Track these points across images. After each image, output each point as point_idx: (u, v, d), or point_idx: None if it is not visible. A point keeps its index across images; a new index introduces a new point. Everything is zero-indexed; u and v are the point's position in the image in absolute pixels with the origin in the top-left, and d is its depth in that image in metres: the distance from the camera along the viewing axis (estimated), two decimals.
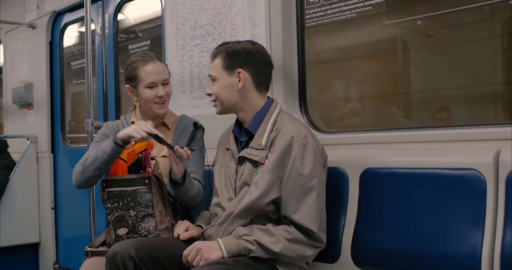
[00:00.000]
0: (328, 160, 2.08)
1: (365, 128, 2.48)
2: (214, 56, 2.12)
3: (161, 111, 2.33)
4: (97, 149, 2.20)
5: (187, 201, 2.28)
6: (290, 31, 2.54)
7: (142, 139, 2.10)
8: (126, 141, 2.13)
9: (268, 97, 2.15)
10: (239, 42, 2.11)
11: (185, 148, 2.13)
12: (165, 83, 2.32)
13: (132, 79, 2.32)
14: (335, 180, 2.14)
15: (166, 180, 2.26)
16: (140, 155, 2.21)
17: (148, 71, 2.28)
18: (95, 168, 2.17)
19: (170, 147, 2.11)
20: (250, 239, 1.90)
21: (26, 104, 4.60)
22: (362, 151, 2.22)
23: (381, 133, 2.26)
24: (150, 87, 2.29)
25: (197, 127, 2.40)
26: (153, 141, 2.18)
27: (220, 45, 2.13)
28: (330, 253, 2.10)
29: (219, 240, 1.94)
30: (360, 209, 2.09)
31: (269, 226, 1.96)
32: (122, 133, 2.12)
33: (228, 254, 1.91)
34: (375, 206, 2.04)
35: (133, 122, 2.40)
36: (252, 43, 2.12)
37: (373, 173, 2.09)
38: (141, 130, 2.08)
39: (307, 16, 2.55)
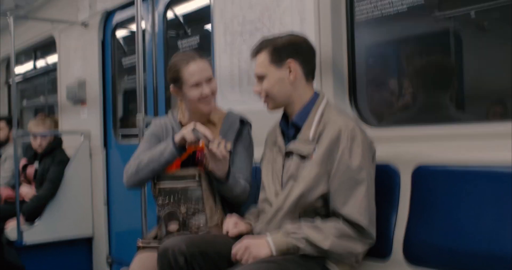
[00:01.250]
0: (379, 156, 2.04)
1: (417, 122, 2.42)
2: (257, 52, 2.10)
3: (207, 109, 2.33)
4: (153, 151, 2.23)
5: (231, 199, 2.29)
6: (339, 25, 2.51)
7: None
8: (182, 145, 2.16)
9: (314, 91, 2.13)
10: (280, 35, 2.11)
11: (221, 148, 2.12)
12: (209, 80, 2.32)
13: (176, 81, 2.33)
14: (386, 176, 2.10)
15: None
16: (194, 151, 2.23)
17: (191, 71, 2.28)
18: (150, 170, 2.20)
19: (206, 146, 2.12)
20: (298, 237, 1.89)
21: (79, 101, 4.71)
22: (414, 147, 2.16)
23: (434, 127, 2.19)
24: (195, 87, 2.29)
25: (244, 124, 2.40)
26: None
27: (262, 41, 2.11)
28: (381, 250, 2.06)
29: (268, 237, 1.93)
30: (412, 206, 2.04)
31: (318, 222, 1.93)
32: (178, 138, 2.17)
33: (277, 252, 1.90)
34: (428, 203, 1.99)
35: (180, 122, 2.43)
36: (295, 34, 2.12)
37: (426, 170, 2.04)
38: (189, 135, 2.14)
39: (356, 10, 2.51)
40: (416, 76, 2.60)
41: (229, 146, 2.16)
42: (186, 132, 2.15)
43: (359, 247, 1.91)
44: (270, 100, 2.09)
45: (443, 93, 2.44)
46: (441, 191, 1.97)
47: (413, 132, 2.24)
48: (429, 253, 1.96)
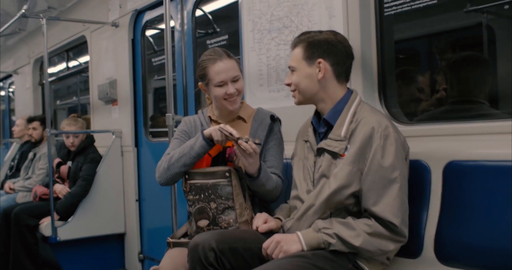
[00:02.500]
0: (410, 152, 2.02)
1: (448, 119, 2.38)
2: (294, 45, 2.11)
3: (231, 107, 2.34)
4: (183, 146, 2.25)
5: (264, 194, 2.29)
6: (368, 21, 2.48)
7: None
8: (212, 139, 2.18)
9: (348, 88, 2.11)
10: (320, 32, 2.09)
11: (250, 142, 2.12)
12: (235, 80, 2.32)
13: (203, 78, 2.35)
14: (417, 173, 2.08)
15: None
16: (225, 148, 2.25)
17: (217, 70, 2.29)
18: (181, 164, 2.22)
19: (235, 141, 2.12)
20: (329, 232, 1.88)
21: (110, 100, 4.78)
22: (445, 143, 2.13)
23: (466, 124, 2.16)
24: (220, 86, 2.30)
25: (274, 120, 2.40)
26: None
27: (301, 35, 2.11)
28: (412, 248, 2.04)
29: (298, 233, 1.94)
30: (443, 203, 2.01)
31: (349, 219, 1.92)
32: (207, 132, 2.19)
33: (308, 247, 1.90)
34: (460, 200, 1.96)
35: (209, 117, 2.44)
36: (334, 33, 2.09)
37: (457, 166, 2.00)
38: (216, 135, 2.17)
39: (385, 5, 2.49)
40: (447, 72, 2.57)
41: (257, 140, 2.18)
42: (213, 130, 2.17)
43: (391, 245, 1.89)
44: (297, 94, 2.10)
45: (475, 88, 2.40)
46: (472, 188, 1.93)
47: (444, 129, 2.20)
48: (460, 251, 1.93)
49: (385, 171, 1.88)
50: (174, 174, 2.26)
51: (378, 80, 2.48)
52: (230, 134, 2.11)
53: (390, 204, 1.86)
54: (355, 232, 1.86)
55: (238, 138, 2.10)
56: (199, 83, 2.41)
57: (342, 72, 2.06)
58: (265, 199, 2.33)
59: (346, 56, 2.06)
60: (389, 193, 1.87)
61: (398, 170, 1.89)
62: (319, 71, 2.03)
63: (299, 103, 2.13)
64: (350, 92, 2.09)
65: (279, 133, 2.42)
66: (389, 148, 1.89)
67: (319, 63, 2.02)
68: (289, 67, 2.12)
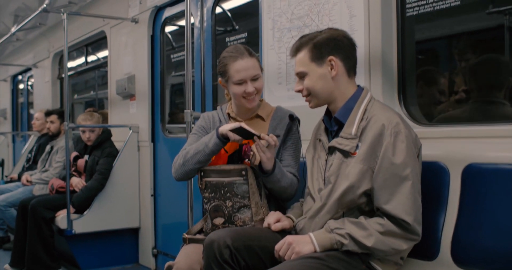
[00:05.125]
0: (429, 154, 2.01)
1: (468, 121, 2.36)
2: (296, 50, 2.09)
3: (250, 105, 2.34)
4: (198, 143, 2.26)
5: (278, 191, 2.29)
6: (389, 21, 2.47)
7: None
8: (226, 137, 2.18)
9: (358, 85, 2.10)
10: (320, 31, 2.09)
11: (271, 134, 2.14)
12: (254, 78, 2.32)
13: (223, 74, 2.35)
14: (435, 175, 2.07)
15: None
16: (241, 146, 2.25)
17: (237, 68, 2.29)
18: (196, 161, 2.23)
19: (257, 136, 2.12)
20: (342, 233, 1.88)
21: (128, 95, 4.81)
22: (465, 145, 2.11)
23: (486, 127, 2.14)
24: (239, 84, 2.30)
25: (293, 119, 2.40)
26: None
27: (301, 38, 2.10)
28: (428, 250, 2.03)
29: (311, 234, 1.93)
30: (461, 205, 2.00)
31: (362, 219, 1.91)
32: (223, 130, 2.18)
33: (320, 248, 1.89)
34: (479, 203, 1.94)
35: (228, 114, 2.44)
36: (334, 29, 2.09)
37: (477, 168, 1.99)
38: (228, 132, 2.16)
39: (408, 5, 2.47)
40: (467, 73, 2.54)
41: (277, 133, 2.20)
42: (227, 131, 2.16)
43: (404, 244, 1.88)
44: (313, 98, 2.08)
45: (497, 90, 2.38)
46: (491, 191, 1.92)
47: (463, 131, 2.19)
48: (478, 255, 1.92)
49: (397, 169, 1.87)
50: (188, 170, 2.26)
51: (398, 81, 2.47)
52: (243, 131, 2.12)
53: (403, 202, 1.85)
54: (367, 232, 1.85)
55: (257, 135, 2.11)
56: (219, 79, 2.41)
57: (352, 66, 2.06)
58: (281, 197, 2.34)
59: (352, 48, 2.06)
60: (401, 191, 1.86)
61: (409, 167, 1.87)
62: (332, 69, 2.02)
63: (315, 106, 2.11)
64: (360, 89, 2.08)
65: (297, 133, 2.41)
66: (400, 145, 1.87)
67: (330, 60, 2.01)
68: (297, 74, 2.09)
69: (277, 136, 2.17)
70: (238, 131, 2.15)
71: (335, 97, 2.06)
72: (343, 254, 1.87)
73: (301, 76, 2.08)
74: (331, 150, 2.04)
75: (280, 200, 2.37)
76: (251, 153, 2.20)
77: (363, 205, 1.96)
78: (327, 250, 1.89)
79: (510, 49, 2.43)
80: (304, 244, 1.90)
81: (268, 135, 2.15)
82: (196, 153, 2.23)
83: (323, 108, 2.15)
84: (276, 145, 2.16)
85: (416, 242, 1.91)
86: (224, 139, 2.19)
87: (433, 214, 2.03)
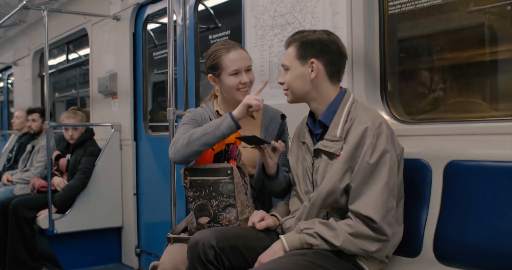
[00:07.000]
0: (411, 152, 2.02)
1: (448, 119, 2.39)
2: (288, 44, 2.11)
3: (243, 98, 2.33)
4: (206, 125, 2.18)
5: (279, 193, 2.33)
6: (372, 18, 2.48)
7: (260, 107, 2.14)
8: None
9: (341, 87, 2.11)
10: (314, 31, 2.08)
11: (279, 140, 2.20)
12: (248, 69, 2.34)
13: (215, 68, 2.34)
14: (417, 172, 2.09)
15: (250, 170, 2.32)
16: (228, 145, 2.24)
17: (232, 58, 2.30)
18: (203, 142, 2.13)
19: (267, 143, 2.16)
20: (310, 232, 1.89)
21: (110, 94, 4.78)
22: (446, 143, 2.13)
23: (467, 124, 2.16)
24: (234, 75, 2.31)
25: (283, 119, 2.43)
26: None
27: (295, 34, 2.11)
28: (411, 247, 2.05)
29: (281, 236, 1.95)
30: (443, 202, 2.02)
31: (331, 220, 1.92)
32: (238, 111, 2.14)
33: (290, 248, 1.91)
34: (460, 200, 1.97)
35: (217, 111, 2.43)
36: (328, 33, 2.08)
37: (458, 165, 2.01)
38: (256, 100, 2.12)
39: (390, 3, 2.48)
40: (449, 71, 2.56)
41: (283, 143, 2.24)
42: (252, 99, 2.13)
43: (372, 246, 1.86)
44: (289, 92, 2.10)
45: (477, 88, 2.40)
46: (473, 188, 1.94)
47: (445, 128, 2.20)
48: (460, 251, 1.94)
49: (372, 168, 1.87)
50: (192, 151, 2.15)
51: (381, 79, 2.48)
52: (252, 138, 2.15)
53: (372, 200, 1.84)
54: (335, 232, 1.86)
55: (266, 142, 2.17)
56: (209, 75, 2.40)
57: (335, 72, 2.06)
58: (278, 197, 2.37)
59: (339, 56, 2.05)
60: (372, 189, 1.86)
61: (386, 167, 1.87)
62: (312, 71, 2.02)
63: (291, 101, 2.13)
64: (343, 92, 2.08)
65: (287, 132, 2.46)
66: (379, 145, 1.88)
67: (312, 63, 2.02)
68: (283, 66, 2.12)
69: (284, 141, 2.22)
70: (249, 139, 2.16)
71: (313, 98, 2.06)
72: (331, 252, 1.88)
73: (285, 68, 2.10)
74: (317, 153, 2.05)
75: (275, 197, 2.41)
76: (237, 152, 2.21)
77: (345, 205, 1.96)
78: (298, 249, 1.90)
79: (490, 47, 2.46)
80: (275, 250, 1.92)
81: (267, 135, 2.20)
82: (203, 134, 2.13)
83: (306, 107, 2.15)
84: (284, 150, 2.21)
85: (386, 242, 1.90)
86: (238, 124, 2.13)
87: (416, 211, 2.05)
